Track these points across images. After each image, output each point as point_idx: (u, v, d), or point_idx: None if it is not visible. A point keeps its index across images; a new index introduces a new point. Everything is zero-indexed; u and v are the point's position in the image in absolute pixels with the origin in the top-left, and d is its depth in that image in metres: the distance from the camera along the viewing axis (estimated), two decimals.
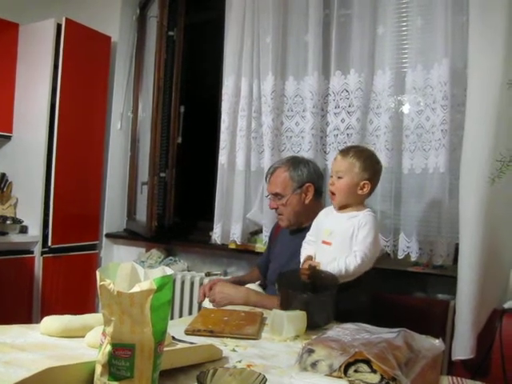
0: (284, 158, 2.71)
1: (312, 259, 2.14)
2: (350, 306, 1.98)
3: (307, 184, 2.50)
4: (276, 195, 2.52)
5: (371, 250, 2.08)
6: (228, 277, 3.45)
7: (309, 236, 2.30)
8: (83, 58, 3.80)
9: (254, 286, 2.57)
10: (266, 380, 1.13)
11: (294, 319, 1.78)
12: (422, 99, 2.69)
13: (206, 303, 2.51)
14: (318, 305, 1.88)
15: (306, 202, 2.50)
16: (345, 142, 2.88)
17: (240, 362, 1.46)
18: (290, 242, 2.54)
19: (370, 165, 2.18)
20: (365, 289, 2.19)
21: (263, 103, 3.14)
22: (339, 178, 2.17)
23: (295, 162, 2.56)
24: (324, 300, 1.90)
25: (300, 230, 2.52)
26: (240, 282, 2.64)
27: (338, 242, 2.12)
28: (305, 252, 2.25)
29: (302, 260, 2.21)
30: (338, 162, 2.20)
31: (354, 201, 2.18)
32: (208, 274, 3.50)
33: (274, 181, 2.54)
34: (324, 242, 2.17)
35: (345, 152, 2.22)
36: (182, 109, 3.90)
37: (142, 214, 3.94)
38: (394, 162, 2.75)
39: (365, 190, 2.15)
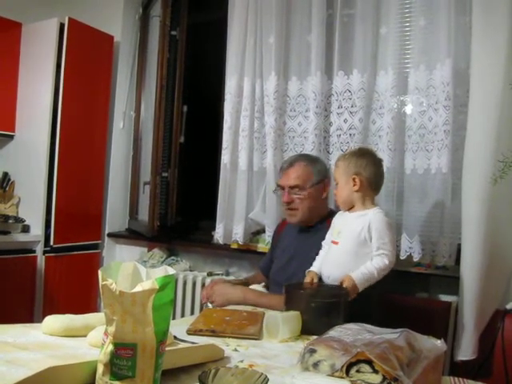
0: (297, 155, 2.76)
1: (315, 275, 2.17)
2: (362, 306, 1.99)
3: (325, 179, 2.53)
4: (294, 188, 2.49)
5: (393, 249, 2.12)
6: (230, 277, 3.45)
7: (326, 238, 2.32)
8: (86, 58, 3.81)
9: (258, 287, 2.57)
10: (268, 380, 1.13)
11: (289, 320, 1.78)
12: (425, 100, 2.69)
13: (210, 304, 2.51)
14: (323, 312, 1.87)
15: (323, 197, 2.52)
16: (347, 143, 2.88)
17: (242, 361, 1.46)
18: (295, 241, 2.55)
19: (354, 161, 2.20)
20: (378, 288, 2.19)
21: (266, 103, 3.14)
22: (336, 184, 2.26)
23: (313, 158, 2.62)
24: (329, 308, 1.90)
25: (307, 228, 2.53)
26: (243, 285, 2.64)
27: (344, 241, 2.14)
28: (314, 263, 2.26)
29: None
30: (334, 174, 2.31)
31: (356, 199, 2.20)
32: (210, 274, 3.50)
33: (294, 173, 2.51)
34: (333, 242, 2.20)
35: (336, 162, 2.30)
36: (185, 108, 3.90)
37: (144, 214, 3.94)
38: (396, 163, 2.75)
39: (357, 184, 2.17)
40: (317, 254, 2.28)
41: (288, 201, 2.50)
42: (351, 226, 2.15)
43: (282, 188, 2.53)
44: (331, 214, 2.41)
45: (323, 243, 2.30)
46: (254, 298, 2.33)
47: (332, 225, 2.30)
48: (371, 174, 2.21)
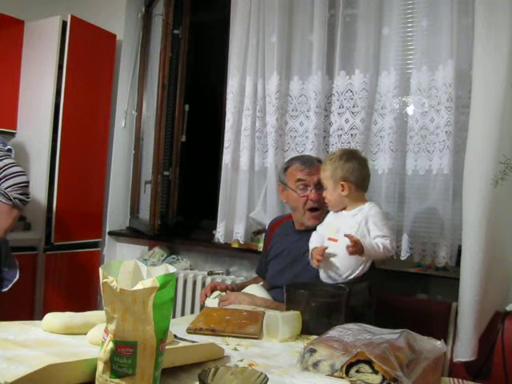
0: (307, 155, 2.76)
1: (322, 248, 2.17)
2: (357, 304, 1.99)
3: None
4: (320, 184, 2.42)
5: (392, 237, 2.15)
6: (231, 276, 3.46)
7: (319, 228, 2.32)
8: (88, 56, 3.81)
9: (256, 287, 2.56)
10: (268, 379, 1.13)
11: (289, 320, 1.78)
12: (427, 100, 2.69)
13: (208, 303, 2.51)
14: (323, 312, 1.87)
15: None
16: (348, 143, 2.88)
17: (241, 361, 1.46)
18: (295, 244, 2.53)
19: (341, 165, 2.21)
20: (371, 286, 2.20)
21: (268, 103, 3.13)
22: (325, 189, 2.27)
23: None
24: (329, 308, 1.89)
25: (307, 230, 2.51)
26: (241, 289, 2.63)
27: (343, 238, 2.13)
28: (312, 240, 2.27)
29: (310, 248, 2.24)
30: (320, 175, 2.32)
31: (347, 201, 2.23)
32: (210, 273, 3.50)
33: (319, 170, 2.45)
34: (330, 239, 2.20)
35: (322, 164, 2.30)
36: (187, 107, 3.90)
37: (145, 212, 3.94)
38: (397, 164, 2.75)
39: (345, 190, 2.20)
40: None
41: (318, 198, 2.43)
42: (349, 223, 2.17)
43: (305, 184, 2.46)
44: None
45: (317, 230, 2.31)
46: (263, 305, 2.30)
47: (327, 221, 2.30)
48: (358, 178, 2.23)
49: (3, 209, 2.66)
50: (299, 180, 2.47)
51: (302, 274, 2.35)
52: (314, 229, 2.40)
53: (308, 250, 2.25)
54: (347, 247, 2.05)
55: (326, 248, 2.14)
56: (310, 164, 2.50)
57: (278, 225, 2.75)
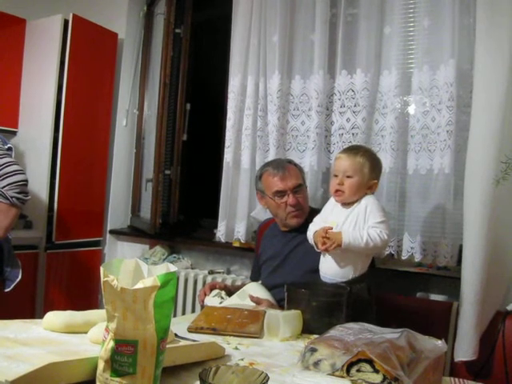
0: (278, 159, 2.81)
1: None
2: (363, 305, 1.99)
3: None
4: (296, 188, 2.51)
5: (387, 230, 2.12)
6: (231, 275, 3.46)
7: (316, 220, 2.31)
8: (90, 55, 3.81)
9: (256, 285, 2.56)
10: (269, 378, 1.13)
11: (289, 319, 1.78)
12: (428, 100, 2.69)
13: (208, 301, 2.51)
14: (324, 311, 1.87)
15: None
16: (350, 142, 2.88)
17: (242, 360, 1.46)
18: (285, 245, 2.56)
19: (377, 165, 2.24)
20: (370, 287, 2.20)
21: (269, 102, 3.13)
22: (348, 177, 2.17)
23: (290, 160, 2.72)
24: (330, 307, 1.89)
25: (292, 230, 2.55)
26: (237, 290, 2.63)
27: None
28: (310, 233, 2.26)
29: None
30: (344, 162, 2.20)
31: (359, 198, 2.20)
32: (211, 272, 3.50)
33: (292, 174, 2.54)
34: None
35: (353, 152, 2.22)
36: (188, 106, 3.90)
37: (146, 211, 3.94)
38: (399, 163, 2.75)
39: (373, 189, 2.22)
40: (314, 253, 2.26)
41: (296, 203, 2.49)
42: (348, 218, 2.16)
43: (282, 193, 2.50)
44: (311, 213, 2.47)
45: (315, 222, 2.29)
46: None
47: (326, 210, 2.29)
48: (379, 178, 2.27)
49: (1, 208, 2.67)
50: (277, 192, 2.51)
51: (292, 272, 2.40)
52: (298, 229, 2.49)
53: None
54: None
55: (331, 228, 2.14)
56: (282, 168, 2.53)
57: (267, 226, 2.78)
